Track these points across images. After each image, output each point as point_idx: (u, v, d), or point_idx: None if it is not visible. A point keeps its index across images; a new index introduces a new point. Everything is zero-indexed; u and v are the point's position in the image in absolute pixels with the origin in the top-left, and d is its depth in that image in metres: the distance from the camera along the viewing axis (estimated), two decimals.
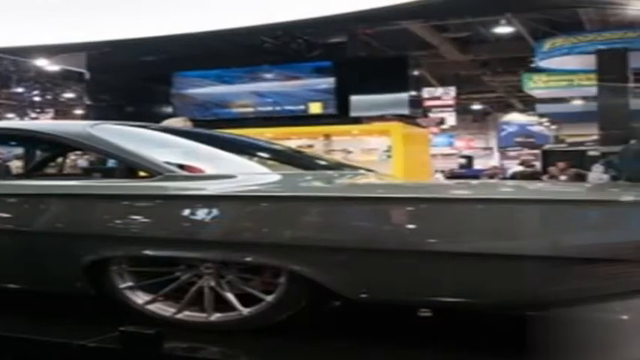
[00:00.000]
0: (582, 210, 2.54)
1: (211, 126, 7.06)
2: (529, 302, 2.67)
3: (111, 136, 3.33)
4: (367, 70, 11.14)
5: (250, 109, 11.85)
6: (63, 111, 25.61)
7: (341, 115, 11.16)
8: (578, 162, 14.91)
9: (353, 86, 11.12)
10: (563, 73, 18.26)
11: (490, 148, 32.54)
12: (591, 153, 15.24)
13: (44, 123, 10.60)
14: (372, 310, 3.03)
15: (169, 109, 11.90)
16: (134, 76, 12.10)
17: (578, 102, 21.35)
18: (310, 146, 10.69)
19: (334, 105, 11.22)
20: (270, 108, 11.74)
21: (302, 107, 11.47)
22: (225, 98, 11.98)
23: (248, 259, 2.87)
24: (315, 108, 11.37)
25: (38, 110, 24.71)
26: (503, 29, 15.24)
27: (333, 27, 11.48)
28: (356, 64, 11.64)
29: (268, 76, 11.84)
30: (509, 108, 29.74)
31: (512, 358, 2.67)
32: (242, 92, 11.87)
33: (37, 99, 24.00)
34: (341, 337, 2.93)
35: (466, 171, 24.19)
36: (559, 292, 2.53)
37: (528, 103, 25.86)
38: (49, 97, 24.05)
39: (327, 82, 11.27)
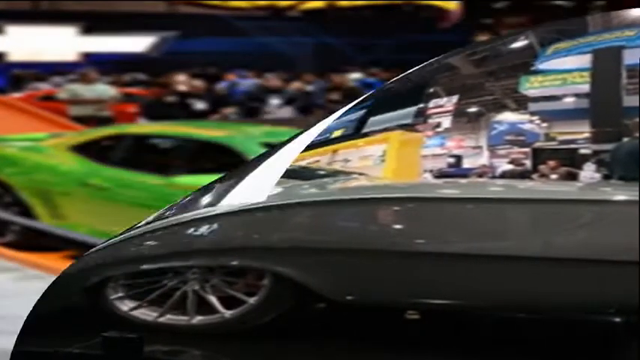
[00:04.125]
0: (574, 209, 2.48)
1: None
2: (522, 304, 2.61)
3: None
4: None
5: None
6: None
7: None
8: (569, 160, 14.88)
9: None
10: (559, 72, 18.31)
11: (479, 147, 32.57)
12: (583, 151, 15.22)
13: None
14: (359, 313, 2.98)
15: None
16: None
17: (569, 99, 21.38)
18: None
19: None
20: None
21: None
22: None
23: (233, 262, 2.82)
24: None
25: None
26: None
27: None
28: None
29: None
30: (502, 108, 29.80)
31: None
32: None
33: None
34: (328, 339, 2.86)
35: (455, 170, 24.19)
36: (551, 294, 2.48)
37: (520, 102, 25.92)
38: None
39: None
